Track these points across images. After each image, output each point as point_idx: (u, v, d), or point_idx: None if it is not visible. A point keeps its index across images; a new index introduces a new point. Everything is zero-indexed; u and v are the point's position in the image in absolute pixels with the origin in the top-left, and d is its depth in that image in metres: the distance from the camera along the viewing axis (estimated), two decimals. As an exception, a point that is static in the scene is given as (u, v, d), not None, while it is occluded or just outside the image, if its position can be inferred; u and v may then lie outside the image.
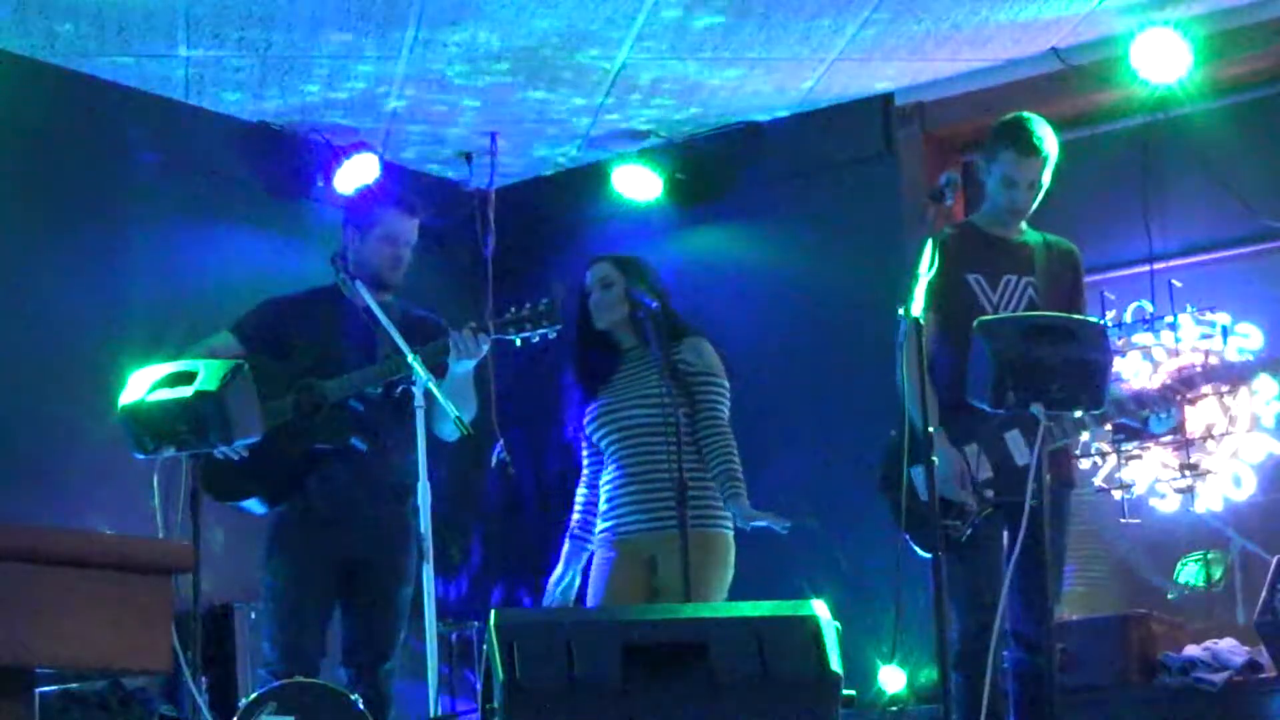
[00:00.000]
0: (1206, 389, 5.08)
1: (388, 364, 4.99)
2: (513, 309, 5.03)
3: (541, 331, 5.00)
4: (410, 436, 4.99)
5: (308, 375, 5.04)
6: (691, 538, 4.92)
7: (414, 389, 4.81)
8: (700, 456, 5.18)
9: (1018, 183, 4.94)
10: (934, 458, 4.30)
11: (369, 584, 5.06)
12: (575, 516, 5.41)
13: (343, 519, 5.04)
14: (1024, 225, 5.07)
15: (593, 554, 5.33)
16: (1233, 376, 5.12)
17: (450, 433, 4.98)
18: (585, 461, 5.43)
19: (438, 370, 4.92)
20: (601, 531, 5.29)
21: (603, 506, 5.29)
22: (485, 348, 4.99)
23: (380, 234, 5.20)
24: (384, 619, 5.06)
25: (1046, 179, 4.97)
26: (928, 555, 4.54)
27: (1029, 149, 4.91)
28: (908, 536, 4.72)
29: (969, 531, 4.74)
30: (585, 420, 5.34)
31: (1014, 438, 4.71)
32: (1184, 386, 4.95)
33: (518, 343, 5.08)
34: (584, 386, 5.34)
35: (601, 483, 5.31)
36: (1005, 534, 4.79)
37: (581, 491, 5.42)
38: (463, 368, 5.01)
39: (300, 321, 5.18)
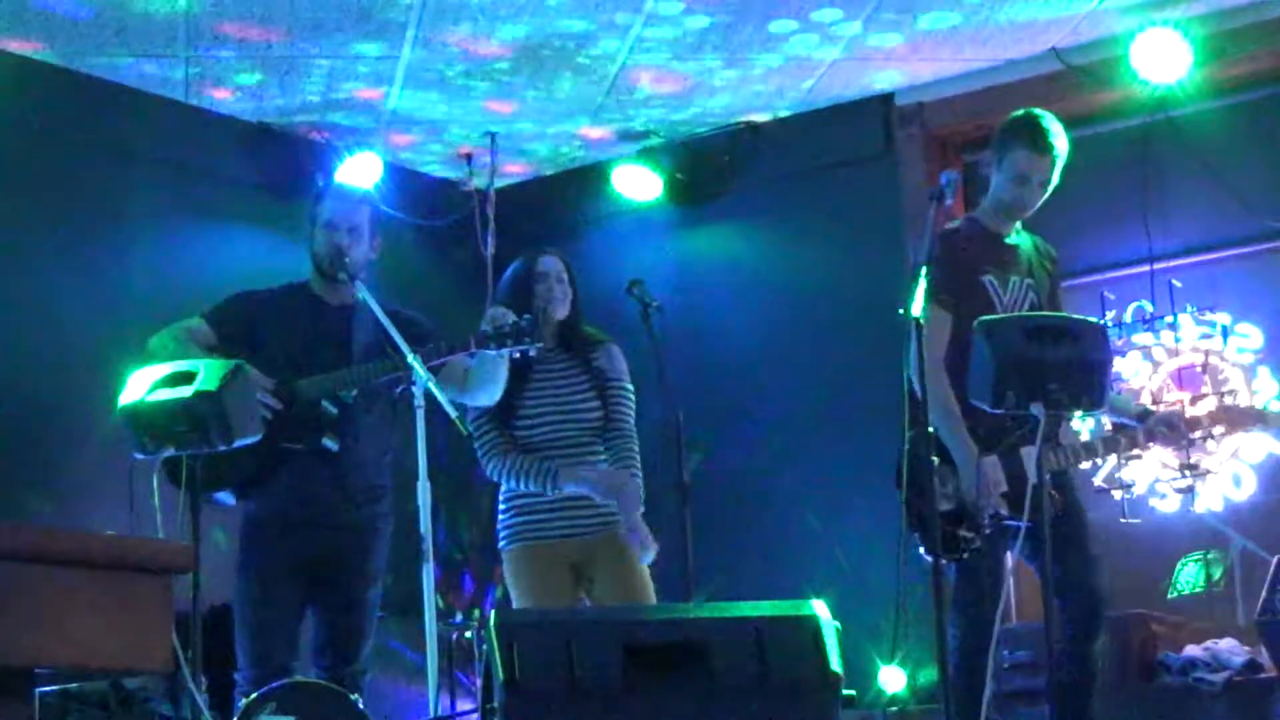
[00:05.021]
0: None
1: (376, 365, 4.99)
2: (494, 323, 5.00)
3: (522, 348, 4.98)
4: (389, 438, 5.11)
5: (281, 372, 5.03)
6: (621, 540, 5.11)
7: (414, 389, 4.81)
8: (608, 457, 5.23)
9: (1029, 180, 4.87)
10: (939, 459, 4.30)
11: (337, 585, 5.07)
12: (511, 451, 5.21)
13: (312, 520, 5.04)
14: (1017, 224, 5.04)
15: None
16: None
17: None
18: (488, 446, 5.23)
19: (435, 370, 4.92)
20: (520, 531, 5.21)
21: (515, 505, 5.22)
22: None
23: (322, 222, 5.14)
24: (351, 620, 5.06)
25: (1056, 178, 4.94)
26: (929, 557, 4.54)
27: (1044, 146, 4.85)
28: (916, 536, 4.72)
29: (978, 544, 4.70)
30: (504, 418, 5.21)
31: (1029, 454, 4.66)
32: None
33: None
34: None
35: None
36: (1011, 543, 4.78)
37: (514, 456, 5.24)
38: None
39: (272, 317, 5.13)
